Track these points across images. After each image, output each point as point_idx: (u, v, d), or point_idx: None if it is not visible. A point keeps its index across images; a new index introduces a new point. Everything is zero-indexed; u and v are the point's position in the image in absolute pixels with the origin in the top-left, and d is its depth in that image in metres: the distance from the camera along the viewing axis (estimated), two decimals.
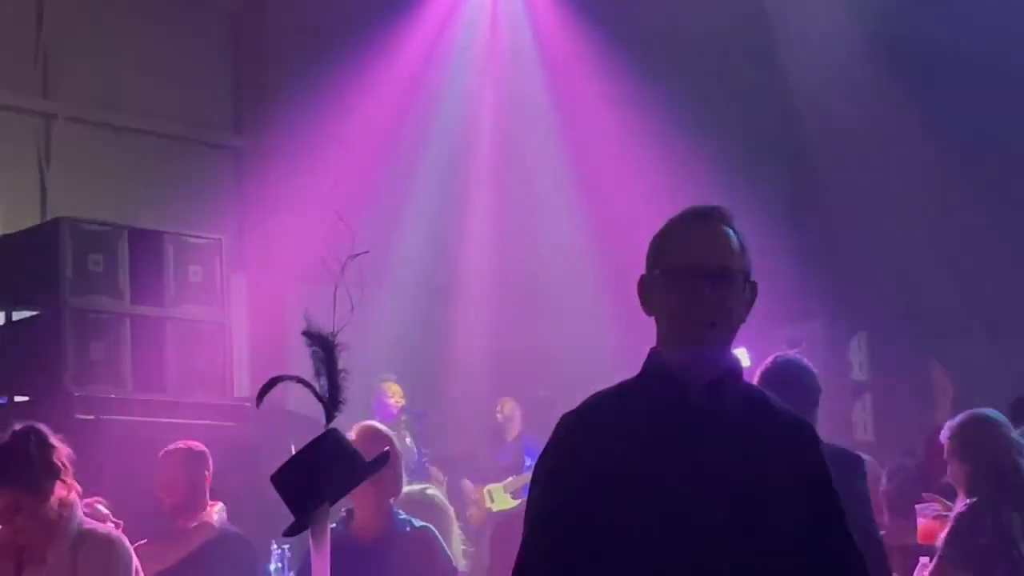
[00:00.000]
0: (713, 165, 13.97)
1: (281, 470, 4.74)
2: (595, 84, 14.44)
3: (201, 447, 7.90)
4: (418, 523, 6.55)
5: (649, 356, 3.60)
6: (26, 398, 9.19)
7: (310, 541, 4.74)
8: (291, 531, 4.73)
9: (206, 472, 7.81)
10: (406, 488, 7.86)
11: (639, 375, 3.60)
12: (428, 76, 14.46)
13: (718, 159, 14.22)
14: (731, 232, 3.55)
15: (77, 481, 5.93)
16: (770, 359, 6.25)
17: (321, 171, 13.22)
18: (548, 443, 3.60)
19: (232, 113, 14.14)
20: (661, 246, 3.57)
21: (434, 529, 6.64)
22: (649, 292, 3.57)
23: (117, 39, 13.34)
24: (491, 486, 12.97)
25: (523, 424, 13.36)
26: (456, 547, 7.64)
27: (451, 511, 8.11)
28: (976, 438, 6.59)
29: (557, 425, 3.59)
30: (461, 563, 7.78)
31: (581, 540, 3.41)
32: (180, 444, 7.87)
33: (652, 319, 3.57)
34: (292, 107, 13.53)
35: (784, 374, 6.05)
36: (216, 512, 7.77)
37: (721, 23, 14.63)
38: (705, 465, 3.42)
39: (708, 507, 3.38)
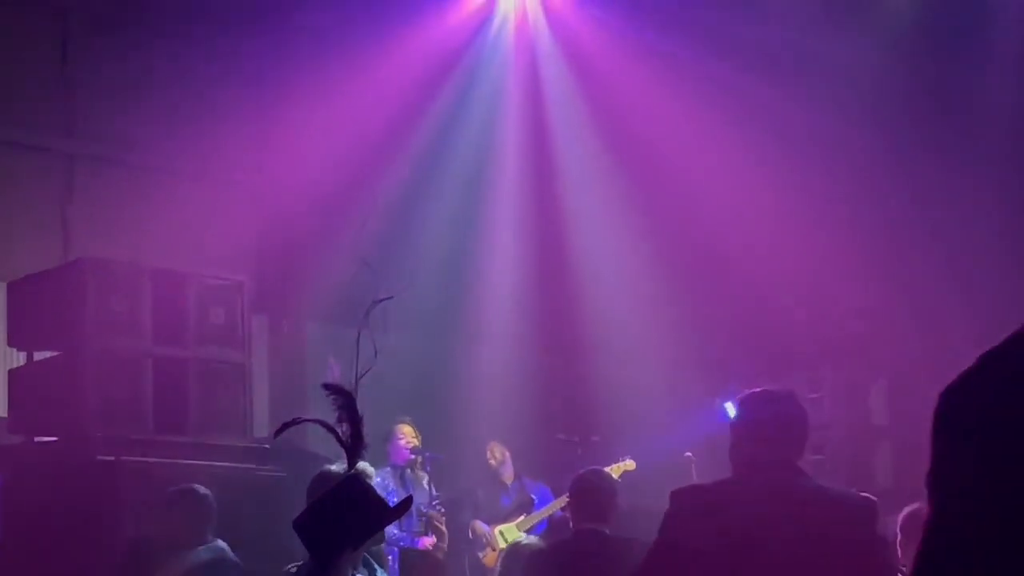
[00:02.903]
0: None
1: (304, 515, 4.75)
2: (636, 86, 14.17)
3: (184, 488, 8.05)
4: None
5: None
6: (48, 438, 9.21)
7: None
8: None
9: (180, 511, 7.98)
10: None
11: None
12: (450, 108, 14.39)
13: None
14: None
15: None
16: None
17: (342, 209, 13.26)
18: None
19: (254, 154, 14.17)
20: None
21: None
22: None
23: (139, 80, 13.42)
24: (503, 526, 12.95)
25: (515, 465, 13.34)
26: None
27: None
28: None
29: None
30: None
31: None
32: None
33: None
34: (314, 147, 13.55)
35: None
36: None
37: None
38: None
39: None
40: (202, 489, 8.36)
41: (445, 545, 12.21)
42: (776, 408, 5.45)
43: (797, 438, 5.41)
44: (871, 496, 5.33)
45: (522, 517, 12.95)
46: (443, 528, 12.18)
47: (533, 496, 13.04)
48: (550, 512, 12.66)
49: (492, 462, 13.34)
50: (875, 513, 5.20)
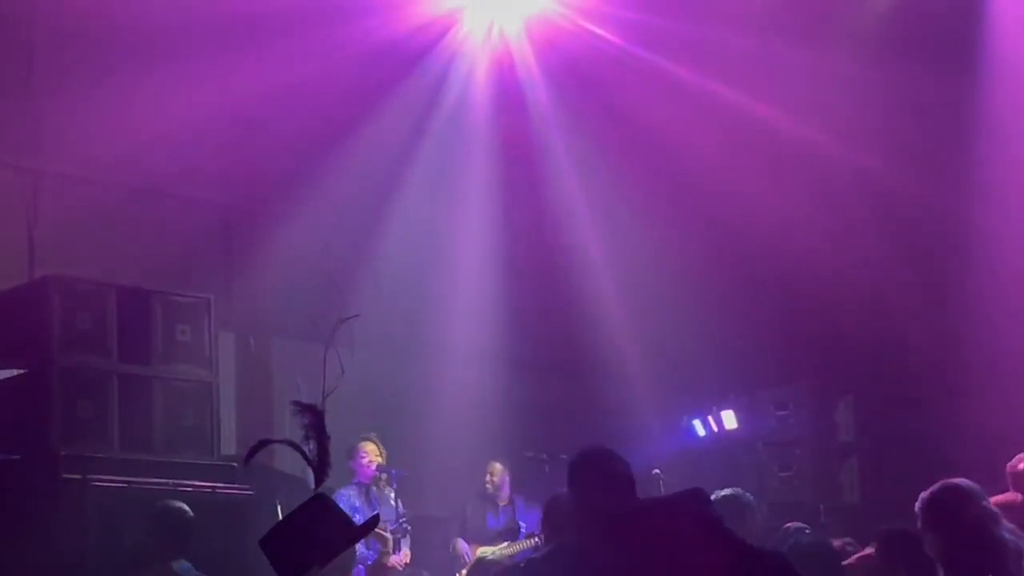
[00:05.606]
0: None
1: (270, 533, 4.74)
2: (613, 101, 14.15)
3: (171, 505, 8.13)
4: None
5: None
6: (12, 457, 9.15)
7: None
8: None
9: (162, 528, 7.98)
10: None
11: None
12: (415, 121, 14.35)
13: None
14: None
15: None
16: None
17: (311, 230, 13.24)
18: None
19: (221, 170, 14.12)
20: None
21: None
22: None
23: (105, 96, 13.35)
24: (485, 549, 12.88)
25: (511, 486, 13.31)
26: None
27: None
28: (953, 508, 6.51)
29: None
30: None
31: None
32: None
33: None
34: (282, 165, 13.53)
35: None
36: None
37: None
38: None
39: None
40: (187, 512, 8.37)
41: (391, 551, 12.12)
42: (595, 463, 6.17)
43: (622, 475, 6.04)
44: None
45: (505, 544, 12.88)
46: (388, 536, 12.04)
47: (522, 523, 12.97)
48: (532, 541, 12.52)
49: (489, 485, 13.29)
50: (704, 494, 5.33)
